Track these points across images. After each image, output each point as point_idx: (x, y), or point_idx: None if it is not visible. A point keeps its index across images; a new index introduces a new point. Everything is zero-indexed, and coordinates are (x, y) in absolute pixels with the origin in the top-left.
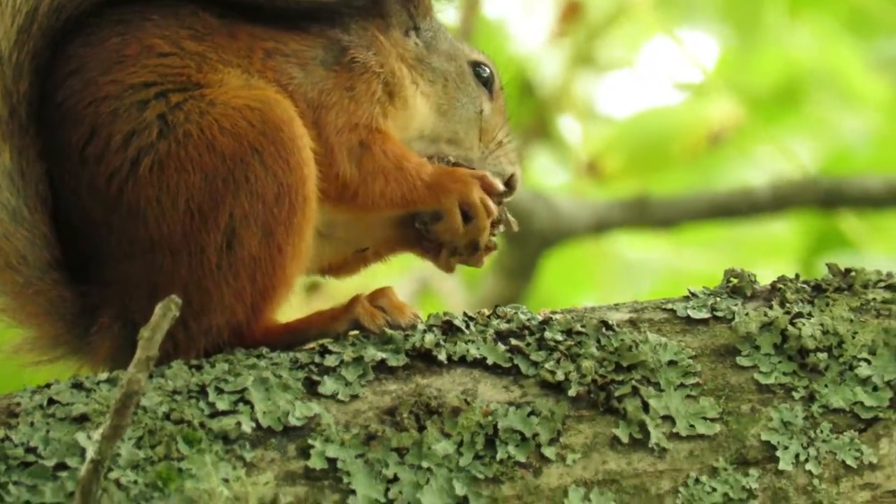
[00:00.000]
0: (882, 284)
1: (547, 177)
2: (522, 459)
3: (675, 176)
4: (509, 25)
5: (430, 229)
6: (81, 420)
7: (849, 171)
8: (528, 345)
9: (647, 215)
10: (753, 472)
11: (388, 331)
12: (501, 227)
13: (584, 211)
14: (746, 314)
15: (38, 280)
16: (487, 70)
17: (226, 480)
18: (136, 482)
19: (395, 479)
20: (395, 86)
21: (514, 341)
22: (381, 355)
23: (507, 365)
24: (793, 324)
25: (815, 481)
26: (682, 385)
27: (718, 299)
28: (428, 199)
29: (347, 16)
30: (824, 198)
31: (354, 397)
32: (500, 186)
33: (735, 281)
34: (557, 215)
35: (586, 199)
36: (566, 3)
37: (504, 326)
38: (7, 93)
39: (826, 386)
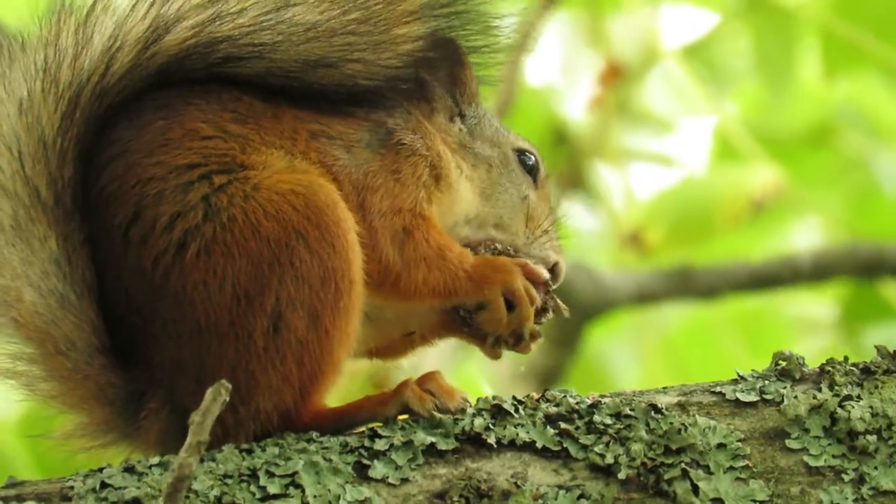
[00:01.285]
0: None
1: (583, 225)
2: None
3: (718, 244)
4: (550, 88)
5: (473, 318)
6: None
7: (884, 212)
8: (578, 428)
9: (689, 285)
10: None
11: (438, 415)
12: (550, 314)
13: (626, 281)
14: (795, 397)
15: (87, 365)
16: (532, 158)
17: None
18: None
19: None
20: (440, 169)
21: (563, 425)
22: (430, 439)
23: (557, 448)
24: (842, 406)
25: None
26: (731, 468)
27: (767, 382)
28: (471, 290)
29: (392, 99)
30: (865, 265)
31: (405, 481)
32: (545, 274)
33: (783, 363)
34: (600, 286)
35: (628, 270)
36: (606, 67)
37: (553, 410)
38: (52, 179)
39: (876, 468)
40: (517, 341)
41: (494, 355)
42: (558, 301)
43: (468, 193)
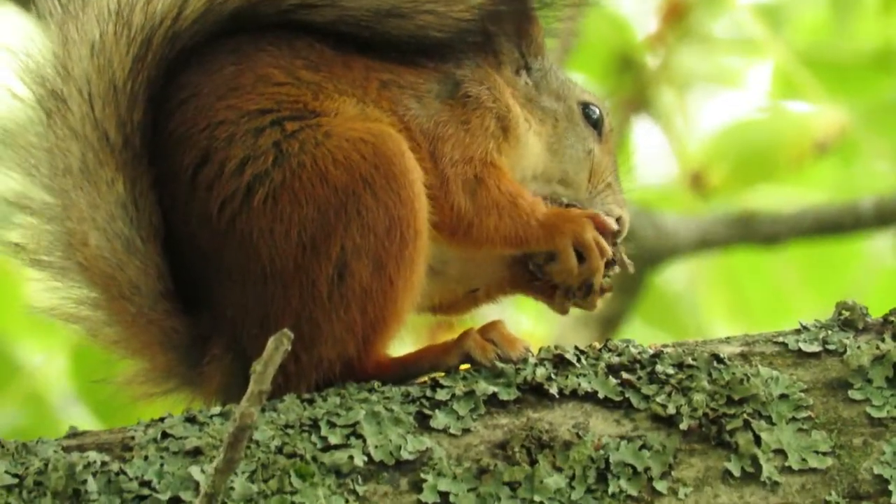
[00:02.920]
0: None
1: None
2: (634, 493)
3: (780, 187)
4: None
5: (544, 270)
6: (195, 454)
7: None
8: (640, 378)
9: (751, 232)
10: None
11: (500, 364)
12: (616, 268)
13: (688, 227)
14: (858, 347)
15: (150, 310)
16: (597, 111)
17: None
18: None
19: None
20: (508, 121)
21: (625, 375)
22: (492, 389)
23: (619, 399)
24: None
25: None
26: (793, 419)
27: (830, 332)
28: (542, 238)
29: (460, 52)
30: None
31: (466, 431)
32: (614, 225)
33: (847, 314)
34: (662, 231)
35: (690, 216)
36: (669, 3)
37: (615, 360)
38: (121, 122)
39: None
40: (586, 293)
41: (563, 309)
42: (624, 255)
43: (536, 148)
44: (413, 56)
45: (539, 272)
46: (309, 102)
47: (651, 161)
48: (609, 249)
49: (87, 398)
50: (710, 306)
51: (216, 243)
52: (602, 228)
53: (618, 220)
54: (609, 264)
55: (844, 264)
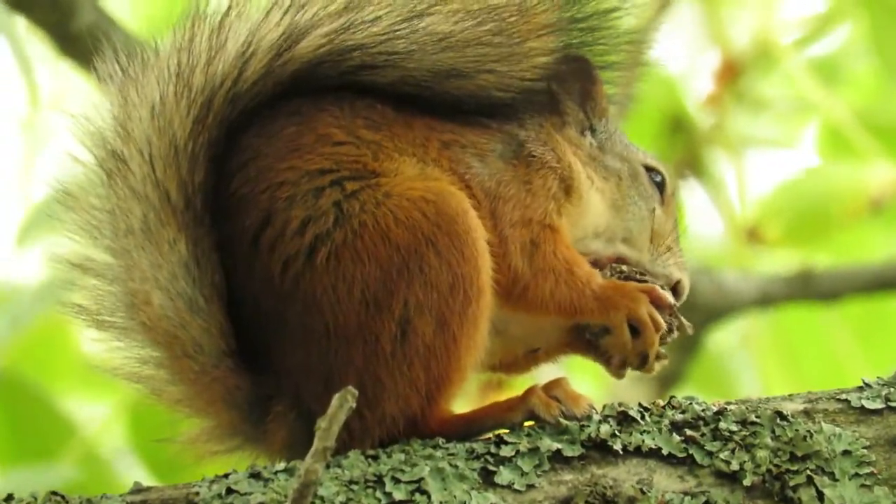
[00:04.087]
0: None
1: (699, 216)
2: None
3: (836, 244)
4: (669, 77)
5: (599, 342)
6: None
7: None
8: (703, 435)
9: (811, 289)
10: None
11: (564, 421)
12: (675, 334)
13: (748, 284)
14: None
15: (214, 368)
16: (660, 175)
17: None
18: None
19: None
20: (570, 181)
21: (688, 431)
22: (556, 445)
23: (682, 455)
24: None
25: None
26: (856, 475)
27: (893, 389)
28: (596, 310)
29: (524, 111)
30: None
31: (531, 487)
32: (671, 299)
33: None
34: (722, 289)
35: (750, 273)
36: (723, 64)
37: (679, 417)
38: (183, 183)
39: None
40: (642, 363)
41: (619, 376)
42: (682, 319)
43: (599, 205)
44: (476, 117)
45: (595, 342)
46: (369, 163)
47: (704, 222)
48: (664, 324)
49: (145, 457)
50: (763, 367)
51: (279, 303)
52: (658, 302)
53: (677, 283)
54: (665, 333)
55: None
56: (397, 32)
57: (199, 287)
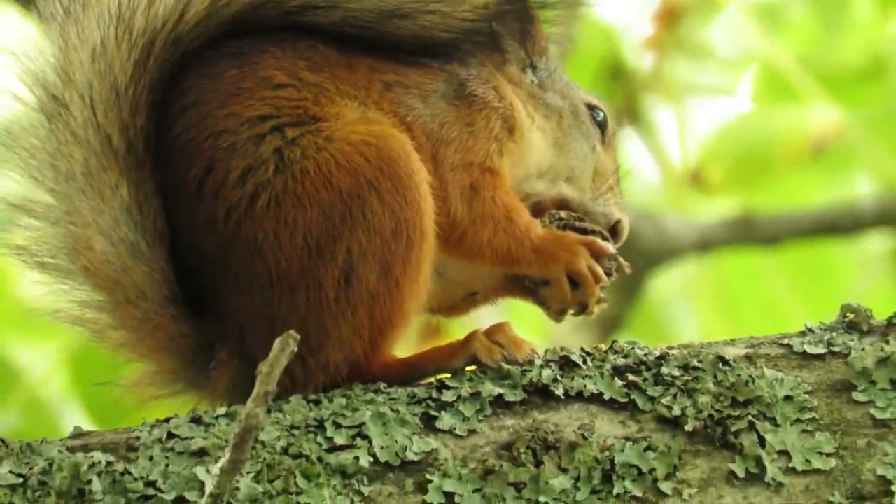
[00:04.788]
0: None
1: (640, 163)
2: (639, 494)
3: (778, 188)
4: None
5: (538, 291)
6: (200, 454)
7: None
8: (645, 380)
9: (752, 233)
10: None
11: (506, 366)
12: (614, 276)
13: (689, 229)
14: (863, 349)
15: (157, 315)
16: (602, 113)
17: None
18: None
19: None
20: (513, 119)
21: (630, 376)
22: (498, 390)
23: (624, 400)
24: None
25: None
26: (798, 420)
27: (834, 334)
28: (535, 263)
29: (466, 51)
30: None
31: (472, 432)
32: (611, 249)
33: (851, 316)
34: (663, 234)
35: (691, 218)
36: (664, 8)
37: (621, 361)
38: (124, 127)
39: None
40: (582, 310)
41: (558, 320)
42: (621, 260)
43: (541, 143)
44: (418, 57)
45: (535, 291)
46: (310, 107)
47: (645, 169)
48: (604, 275)
49: (88, 403)
50: (702, 312)
51: (222, 249)
52: (598, 254)
53: (617, 223)
54: (606, 275)
55: (836, 270)
56: None
57: (142, 232)
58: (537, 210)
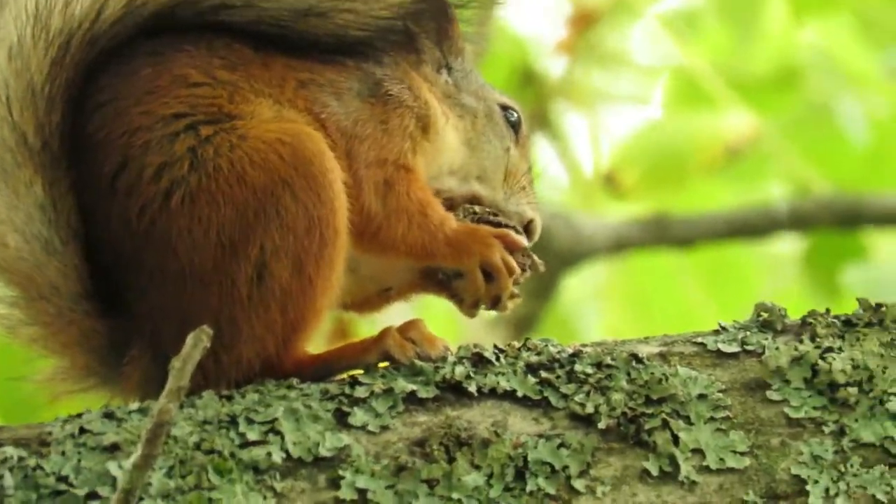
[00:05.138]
0: None
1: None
2: (552, 492)
3: (693, 191)
4: (518, 30)
5: (452, 284)
6: (112, 449)
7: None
8: (559, 377)
9: (666, 234)
10: None
11: (419, 362)
12: (527, 273)
13: (603, 230)
14: (777, 348)
15: (70, 311)
16: (515, 115)
17: None
18: None
19: None
20: (427, 118)
21: (544, 374)
22: (411, 387)
23: (537, 397)
24: (823, 358)
25: None
26: (711, 418)
27: (749, 333)
28: (449, 255)
29: (381, 50)
30: (843, 215)
31: (384, 428)
32: (524, 242)
33: (765, 315)
34: (577, 234)
35: (606, 218)
36: (578, 14)
37: (534, 359)
38: (39, 125)
39: (856, 420)
40: (495, 304)
41: (471, 315)
42: (535, 258)
43: (454, 142)
44: (334, 55)
45: (448, 284)
46: (224, 105)
47: (556, 171)
48: (517, 268)
49: None
50: (613, 313)
51: (136, 246)
52: (512, 247)
53: (530, 222)
54: (520, 273)
55: (746, 272)
56: None
57: (56, 229)
58: (449, 206)
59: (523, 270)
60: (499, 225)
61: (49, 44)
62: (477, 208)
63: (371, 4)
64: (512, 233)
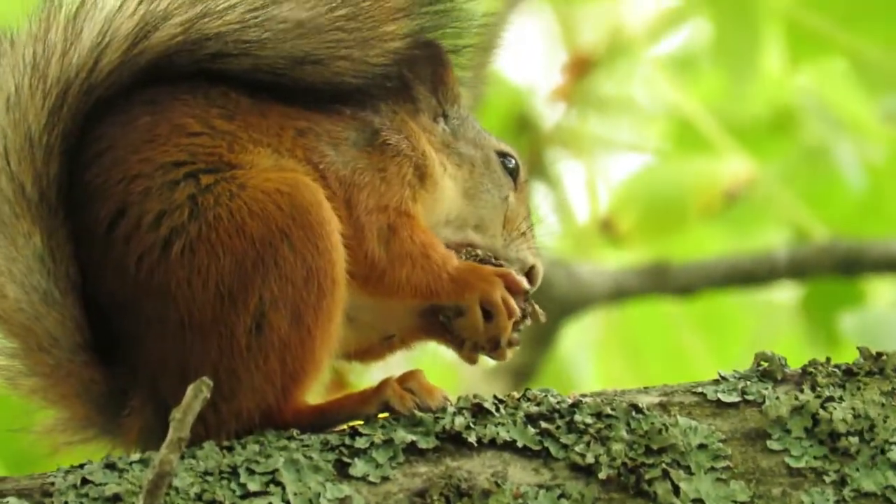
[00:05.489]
0: None
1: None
2: None
3: (691, 238)
4: (515, 78)
5: (452, 324)
6: (114, 500)
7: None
8: (559, 427)
9: (666, 282)
10: None
11: (418, 413)
12: (528, 321)
13: (603, 278)
14: (777, 398)
15: (69, 362)
16: (513, 161)
17: None
18: None
19: None
20: (425, 168)
21: (544, 424)
22: (411, 437)
23: (538, 448)
24: (823, 408)
25: None
26: (712, 468)
27: (749, 383)
28: (452, 292)
29: (378, 98)
30: (843, 262)
31: (385, 479)
32: (526, 285)
33: (765, 364)
34: (577, 283)
35: (605, 266)
36: (572, 58)
37: (534, 409)
38: (37, 175)
39: (857, 470)
40: (494, 348)
41: (471, 360)
42: (536, 307)
43: (451, 192)
44: (331, 104)
45: (448, 325)
46: (224, 154)
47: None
48: (517, 310)
49: None
50: (607, 363)
51: (134, 295)
52: (513, 288)
53: (531, 269)
54: (518, 320)
55: (742, 321)
56: (250, 21)
57: (54, 280)
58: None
59: (524, 317)
60: (500, 266)
61: (46, 94)
62: (479, 251)
63: (366, 51)
64: (513, 273)
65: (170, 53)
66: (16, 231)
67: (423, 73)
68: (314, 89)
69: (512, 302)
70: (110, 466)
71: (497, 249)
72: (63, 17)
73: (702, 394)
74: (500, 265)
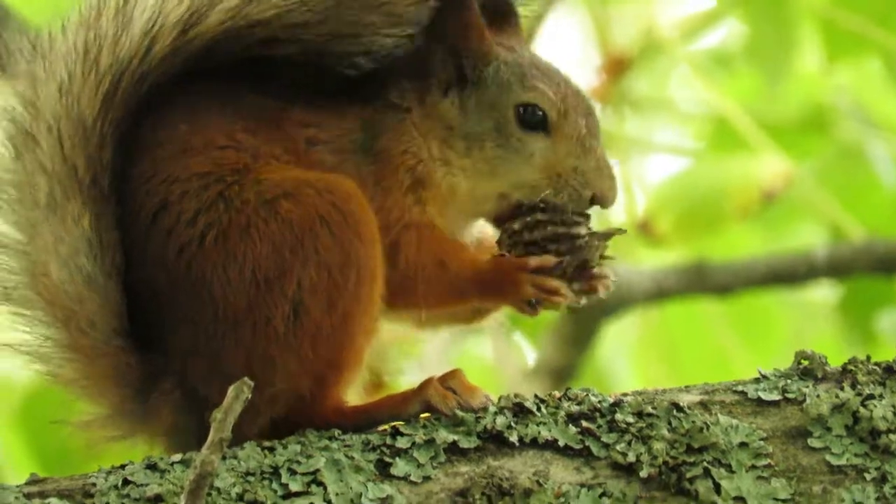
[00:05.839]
0: None
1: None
2: None
3: (730, 237)
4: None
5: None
6: (156, 501)
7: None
8: (600, 427)
9: (704, 282)
10: None
11: (460, 413)
12: (608, 242)
13: (642, 278)
14: (818, 396)
15: (104, 345)
16: (540, 112)
17: None
18: None
19: None
20: (424, 174)
21: (585, 423)
22: (452, 437)
23: (579, 447)
24: (864, 405)
25: None
26: (753, 466)
27: (789, 381)
28: (484, 298)
29: (387, 91)
30: (882, 261)
31: (427, 479)
32: (551, 261)
33: (806, 363)
34: (618, 282)
35: (644, 266)
36: (610, 60)
37: (575, 408)
38: (90, 160)
39: None
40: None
41: (534, 313)
42: (601, 241)
43: (461, 185)
44: (337, 101)
45: None
46: (249, 164)
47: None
48: (558, 289)
49: (35, 450)
50: (645, 363)
51: (172, 284)
52: (542, 269)
53: (593, 197)
54: (600, 237)
55: (780, 320)
56: (293, 4)
57: (100, 264)
58: (517, 211)
59: (606, 237)
60: (555, 239)
61: (99, 81)
62: (516, 225)
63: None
64: (530, 261)
65: (219, 39)
66: (66, 212)
67: (443, 26)
68: (351, 61)
69: (549, 283)
70: (151, 467)
71: (547, 200)
72: (113, 4)
73: (742, 392)
74: (558, 231)
